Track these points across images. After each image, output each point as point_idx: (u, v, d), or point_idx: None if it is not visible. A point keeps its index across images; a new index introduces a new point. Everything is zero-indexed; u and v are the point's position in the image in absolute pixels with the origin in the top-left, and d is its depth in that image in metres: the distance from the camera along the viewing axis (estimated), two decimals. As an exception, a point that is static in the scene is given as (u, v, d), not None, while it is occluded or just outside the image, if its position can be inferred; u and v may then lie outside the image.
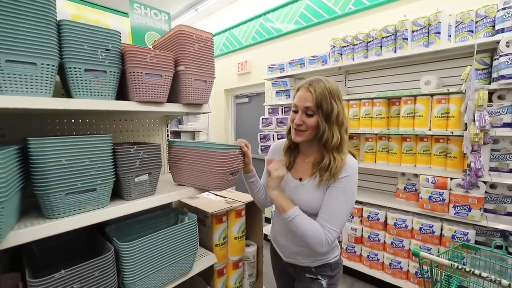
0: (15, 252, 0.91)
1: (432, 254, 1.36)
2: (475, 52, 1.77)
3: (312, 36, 3.14)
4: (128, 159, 0.94)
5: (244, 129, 4.41)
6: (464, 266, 1.17)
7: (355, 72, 2.65)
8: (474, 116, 1.69)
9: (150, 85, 0.97)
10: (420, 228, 2.02)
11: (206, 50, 1.11)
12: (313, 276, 1.05)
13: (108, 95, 0.93)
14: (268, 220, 3.63)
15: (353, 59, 2.41)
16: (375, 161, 2.41)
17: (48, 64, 0.77)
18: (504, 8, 1.68)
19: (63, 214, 0.80)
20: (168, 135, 1.59)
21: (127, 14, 1.39)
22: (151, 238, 0.98)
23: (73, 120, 1.21)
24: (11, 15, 0.69)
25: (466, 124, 1.77)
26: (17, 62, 0.72)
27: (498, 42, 1.68)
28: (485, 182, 1.77)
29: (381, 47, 2.24)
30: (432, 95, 2.03)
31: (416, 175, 2.15)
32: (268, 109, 3.35)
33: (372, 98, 2.33)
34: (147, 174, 1.00)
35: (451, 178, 1.89)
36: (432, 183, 1.94)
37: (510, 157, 1.75)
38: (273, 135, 3.11)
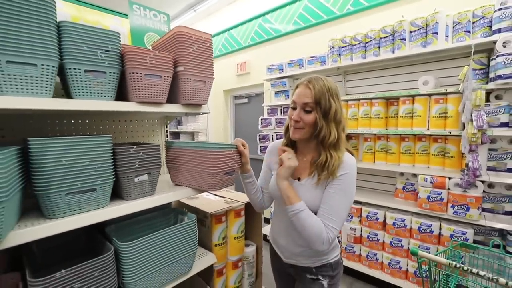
0: (15, 252, 0.91)
1: (431, 254, 1.37)
2: (472, 52, 1.78)
3: (310, 36, 3.15)
4: (127, 159, 0.95)
5: (243, 129, 4.42)
6: (462, 265, 1.18)
7: (353, 72, 2.66)
8: (471, 116, 1.70)
9: (150, 86, 0.98)
10: (419, 228, 2.03)
11: (205, 51, 1.11)
12: (314, 277, 1.04)
13: (108, 96, 0.93)
14: (267, 220, 3.63)
15: (352, 60, 2.42)
16: (374, 161, 2.42)
17: (48, 65, 0.77)
18: (500, 9, 1.70)
19: (63, 214, 0.81)
20: (167, 135, 1.59)
21: (127, 15, 1.40)
22: (150, 238, 0.99)
23: (73, 121, 1.21)
24: (11, 16, 0.70)
25: (464, 124, 1.78)
26: (17, 63, 0.72)
27: (495, 42, 1.70)
28: (483, 182, 1.78)
29: (379, 47, 2.25)
30: (430, 95, 2.05)
31: (415, 175, 2.16)
32: (267, 109, 3.36)
33: (371, 98, 2.35)
34: (146, 174, 1.01)
35: (449, 178, 1.90)
36: (430, 182, 1.95)
37: (508, 156, 1.76)
38: (272, 135, 3.12)
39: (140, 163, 0.98)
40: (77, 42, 0.84)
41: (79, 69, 0.85)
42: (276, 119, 3.11)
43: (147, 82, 0.97)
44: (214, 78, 1.17)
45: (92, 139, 0.85)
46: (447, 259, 1.43)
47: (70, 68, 0.84)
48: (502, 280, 1.04)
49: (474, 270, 1.11)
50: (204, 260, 1.29)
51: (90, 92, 0.89)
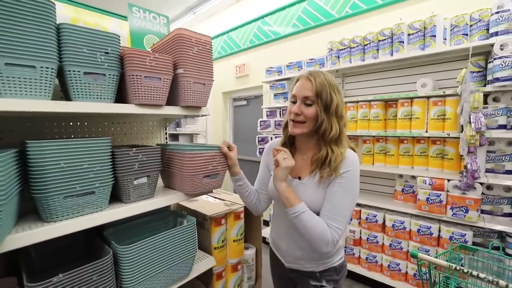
0: (12, 256, 0.90)
1: (430, 256, 1.37)
2: (470, 55, 1.79)
3: (309, 39, 3.17)
4: (127, 162, 0.94)
5: (242, 131, 4.41)
6: (462, 268, 1.18)
7: (352, 74, 2.67)
8: (470, 118, 1.71)
9: (149, 88, 0.98)
10: (418, 230, 2.03)
11: (205, 53, 1.11)
12: (318, 283, 0.99)
13: (107, 98, 0.93)
14: (266, 223, 3.62)
15: (350, 62, 2.43)
16: (373, 163, 2.42)
17: (47, 67, 0.77)
18: (497, 12, 1.71)
19: (62, 217, 0.80)
20: (166, 137, 1.59)
21: (126, 17, 1.40)
22: (149, 241, 0.98)
23: (71, 123, 1.20)
24: (11, 18, 0.69)
25: (462, 126, 1.79)
26: (16, 65, 0.72)
27: (492, 45, 1.71)
28: (481, 184, 1.78)
29: (378, 50, 2.26)
30: (428, 97, 2.05)
31: (414, 177, 2.17)
32: (266, 111, 3.36)
33: (370, 101, 2.35)
34: (146, 177, 1.00)
35: (448, 180, 1.90)
36: (429, 184, 1.95)
37: (506, 158, 1.77)
38: (271, 137, 3.12)
39: (139, 166, 0.97)
40: (77, 44, 0.83)
41: (79, 71, 0.85)
42: (275, 121, 3.11)
43: (147, 84, 0.97)
44: (214, 80, 1.17)
45: (91, 142, 0.84)
46: (447, 261, 1.43)
47: (69, 70, 0.83)
48: (502, 283, 1.04)
49: (474, 273, 1.11)
50: (203, 263, 1.28)
51: (90, 95, 0.88)
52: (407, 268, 2.13)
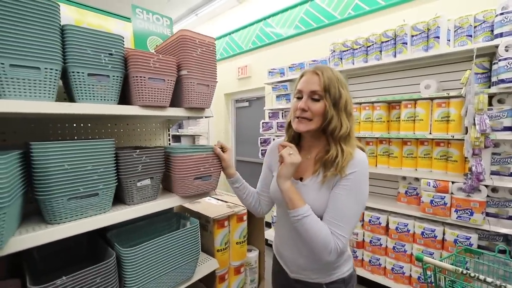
0: (15, 258, 0.89)
1: (435, 259, 1.35)
2: (474, 57, 1.78)
3: (312, 40, 3.16)
4: (130, 164, 0.94)
5: (244, 133, 4.41)
6: (468, 271, 1.16)
7: (355, 76, 2.66)
8: (474, 120, 1.69)
9: (153, 90, 0.97)
10: (422, 233, 2.01)
11: (209, 54, 1.11)
12: None
13: (111, 100, 0.93)
14: (268, 225, 3.60)
15: (353, 64, 2.42)
16: (376, 165, 2.41)
17: (51, 69, 0.77)
18: (502, 13, 1.70)
19: (65, 219, 0.80)
20: (169, 139, 1.58)
21: (129, 19, 1.40)
22: (153, 243, 0.97)
23: (74, 125, 1.20)
24: (16, 20, 0.69)
25: (466, 128, 1.77)
26: (21, 67, 0.72)
27: (497, 46, 1.70)
28: (486, 186, 1.77)
29: (380, 51, 2.25)
30: (432, 99, 2.04)
31: (417, 179, 2.15)
32: (269, 113, 3.36)
33: (373, 102, 2.34)
34: (149, 179, 1.00)
35: (453, 182, 1.88)
36: (433, 187, 1.93)
37: (511, 160, 1.75)
38: (273, 139, 3.11)
39: (143, 167, 0.97)
40: (81, 46, 0.83)
41: (83, 73, 0.85)
42: (277, 122, 3.11)
43: (151, 86, 0.96)
44: (217, 82, 1.16)
45: (95, 143, 0.84)
46: (452, 264, 1.41)
47: (73, 72, 0.83)
48: (510, 287, 1.02)
49: (481, 277, 1.09)
50: (206, 265, 1.27)
51: (93, 96, 0.88)
52: (411, 271, 2.11)
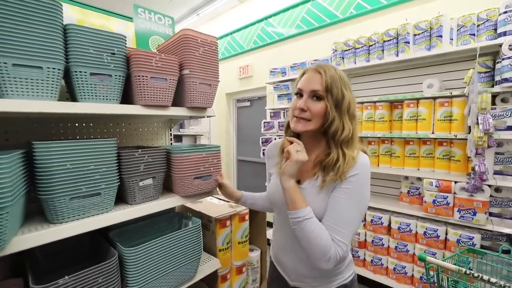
0: (18, 257, 0.89)
1: (437, 259, 1.34)
2: (477, 55, 1.77)
3: (313, 40, 3.16)
4: (133, 163, 0.94)
5: (245, 132, 4.41)
6: (472, 272, 1.15)
7: (357, 75, 2.65)
8: (477, 119, 1.68)
9: (155, 89, 0.97)
10: (425, 232, 2.00)
11: (211, 54, 1.11)
12: None
13: (113, 99, 0.92)
14: (270, 224, 3.60)
15: (355, 63, 2.41)
16: (378, 165, 2.40)
17: (54, 68, 0.77)
18: (505, 12, 1.69)
19: (68, 218, 0.80)
20: (171, 138, 1.58)
21: (131, 18, 1.40)
22: (155, 243, 0.97)
23: (77, 124, 1.20)
24: (19, 19, 0.69)
25: (469, 127, 1.76)
26: (23, 66, 0.72)
27: (500, 45, 1.69)
28: (489, 186, 1.75)
29: (383, 50, 2.24)
30: (434, 98, 2.03)
31: (420, 179, 2.14)
32: (270, 113, 3.35)
33: (375, 102, 2.33)
34: (151, 178, 0.99)
35: (455, 182, 1.87)
36: (436, 186, 1.92)
37: (515, 160, 1.74)
38: (275, 138, 3.11)
39: (145, 167, 0.97)
40: (83, 45, 0.83)
41: (85, 72, 0.84)
42: (279, 122, 3.10)
43: (153, 85, 0.96)
44: (219, 81, 1.16)
45: (97, 143, 0.84)
46: (454, 264, 1.40)
47: (76, 71, 0.83)
48: (514, 287, 1.01)
49: (485, 277, 1.09)
50: (208, 265, 1.27)
51: (96, 95, 0.88)
52: (413, 271, 2.10)
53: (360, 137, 2.47)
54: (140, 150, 0.96)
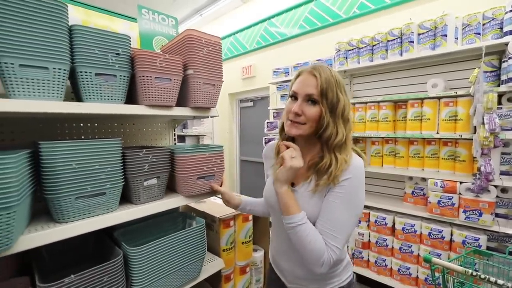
0: (24, 256, 0.90)
1: (443, 260, 1.33)
2: (483, 55, 1.75)
3: (316, 40, 3.15)
4: (137, 163, 0.94)
5: (248, 132, 4.41)
6: (478, 273, 1.14)
7: (360, 75, 2.64)
8: (483, 119, 1.66)
9: (160, 89, 0.98)
10: (429, 233, 1.98)
11: (215, 54, 1.11)
12: None
13: (118, 99, 0.93)
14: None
15: (359, 63, 2.40)
16: (382, 165, 2.38)
17: (59, 69, 0.77)
18: (511, 11, 1.67)
19: (73, 218, 0.80)
20: (175, 139, 1.59)
21: (135, 19, 1.41)
22: (160, 243, 0.97)
23: (82, 124, 1.21)
24: (25, 20, 0.70)
25: (475, 127, 1.75)
26: (30, 67, 0.72)
27: (506, 44, 1.66)
28: (496, 186, 1.73)
29: (386, 50, 2.23)
30: (439, 98, 2.01)
31: (424, 179, 2.12)
32: (273, 113, 3.35)
33: (378, 102, 2.32)
34: (155, 178, 1.00)
35: (461, 182, 1.85)
36: (441, 187, 1.91)
37: (521, 160, 1.72)
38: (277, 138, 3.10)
39: (149, 167, 0.97)
40: (89, 46, 0.84)
41: (90, 72, 0.85)
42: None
43: (157, 86, 0.97)
44: (223, 81, 1.16)
45: (102, 143, 0.85)
46: (460, 266, 1.39)
47: (81, 72, 0.84)
48: (521, 289, 1.00)
49: (492, 279, 1.07)
50: (212, 265, 1.27)
51: (101, 96, 0.88)
52: (417, 272, 2.08)
53: (364, 137, 2.46)
54: (144, 150, 0.96)
